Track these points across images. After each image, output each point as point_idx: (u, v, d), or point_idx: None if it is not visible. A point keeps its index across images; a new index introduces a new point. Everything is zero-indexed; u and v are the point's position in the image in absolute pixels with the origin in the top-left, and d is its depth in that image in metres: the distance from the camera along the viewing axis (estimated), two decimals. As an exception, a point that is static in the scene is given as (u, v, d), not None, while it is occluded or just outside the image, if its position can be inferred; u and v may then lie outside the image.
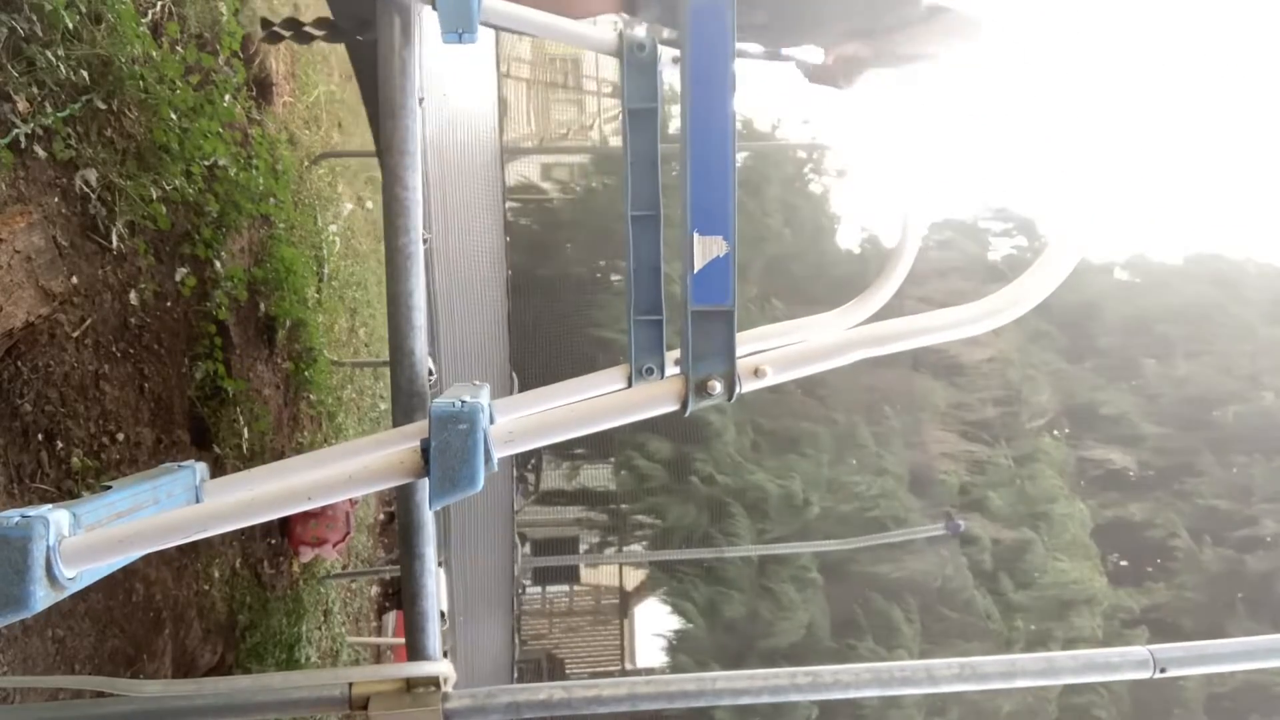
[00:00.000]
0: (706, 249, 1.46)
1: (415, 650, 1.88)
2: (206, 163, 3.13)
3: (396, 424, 1.83)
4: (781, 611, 7.66)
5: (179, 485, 1.71)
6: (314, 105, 4.97)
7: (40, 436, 2.30)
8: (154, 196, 2.75)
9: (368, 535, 5.81)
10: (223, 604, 3.35)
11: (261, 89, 4.03)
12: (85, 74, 2.49)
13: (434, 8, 1.70)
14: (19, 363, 2.23)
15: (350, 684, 1.69)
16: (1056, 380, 9.21)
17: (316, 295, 4.52)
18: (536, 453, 9.46)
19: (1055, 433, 9.31)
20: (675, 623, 8.18)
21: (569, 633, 12.86)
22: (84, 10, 2.50)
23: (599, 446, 9.25)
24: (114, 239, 2.59)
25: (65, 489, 2.34)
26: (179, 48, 3.01)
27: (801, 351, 1.51)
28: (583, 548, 10.65)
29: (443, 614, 2.04)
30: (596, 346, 7.92)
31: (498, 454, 1.43)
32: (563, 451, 9.82)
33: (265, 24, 3.97)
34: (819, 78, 2.72)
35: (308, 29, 3.75)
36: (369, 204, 6.02)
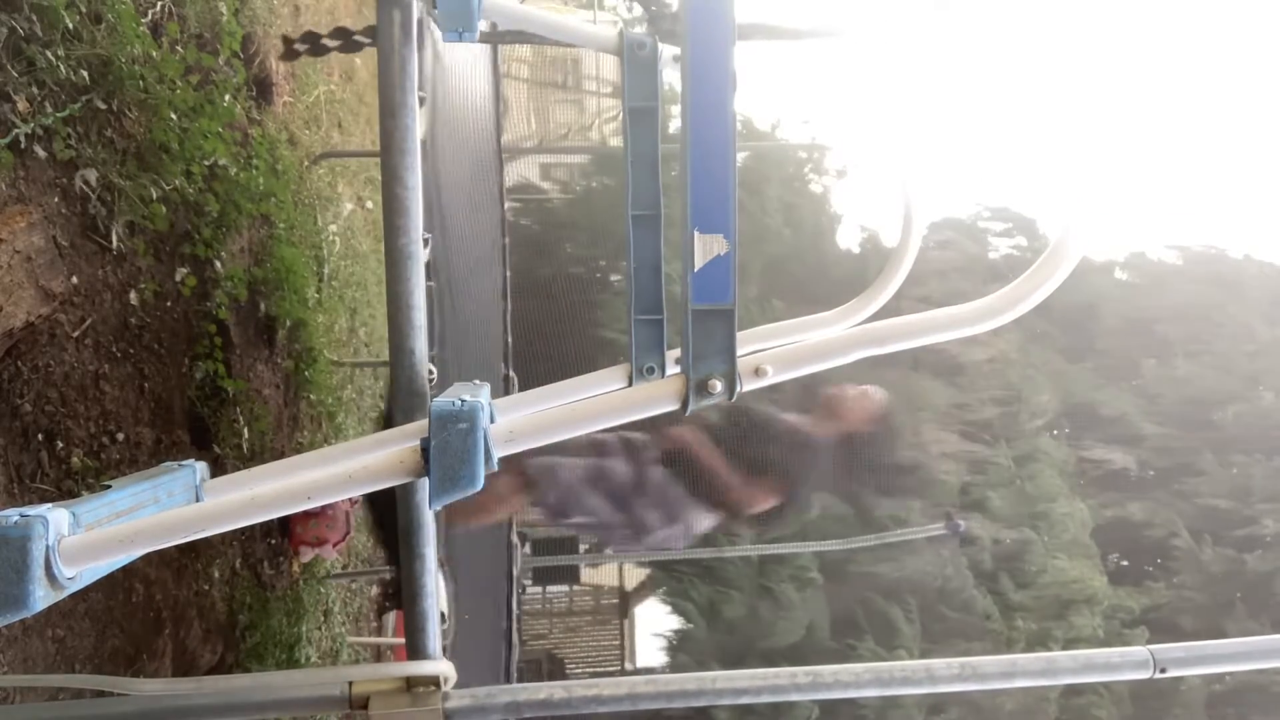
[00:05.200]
0: (707, 248, 1.46)
1: (415, 650, 1.88)
2: (206, 163, 3.12)
3: (396, 424, 1.83)
4: (781, 611, 7.66)
5: (179, 485, 1.71)
6: (314, 105, 4.97)
7: (40, 436, 2.30)
8: (154, 196, 2.74)
9: (368, 535, 5.81)
10: (223, 604, 3.35)
11: (261, 89, 4.03)
12: (85, 74, 2.49)
13: (434, 6, 1.70)
14: (19, 363, 2.23)
15: (350, 683, 1.69)
16: (1056, 380, 9.21)
17: (316, 295, 4.51)
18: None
19: (1055, 433, 9.31)
20: (675, 623, 8.18)
21: (569, 633, 12.87)
22: (84, 10, 2.50)
23: (599, 446, 9.23)
24: (114, 239, 2.59)
25: (65, 489, 2.34)
26: (179, 48, 3.01)
27: (802, 350, 1.51)
28: (583, 547, 10.65)
29: (443, 614, 2.04)
30: (597, 346, 7.92)
31: (498, 453, 1.42)
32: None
33: (286, 41, 4.00)
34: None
35: (325, 41, 3.78)
36: (369, 204, 6.02)
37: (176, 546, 1.57)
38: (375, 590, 6.13)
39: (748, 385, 1.48)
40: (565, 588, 12.96)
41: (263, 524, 3.51)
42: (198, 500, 1.75)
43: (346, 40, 3.89)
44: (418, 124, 1.85)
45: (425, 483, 1.42)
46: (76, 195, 2.45)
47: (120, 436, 2.63)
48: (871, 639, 7.66)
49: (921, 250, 2.39)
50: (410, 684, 1.71)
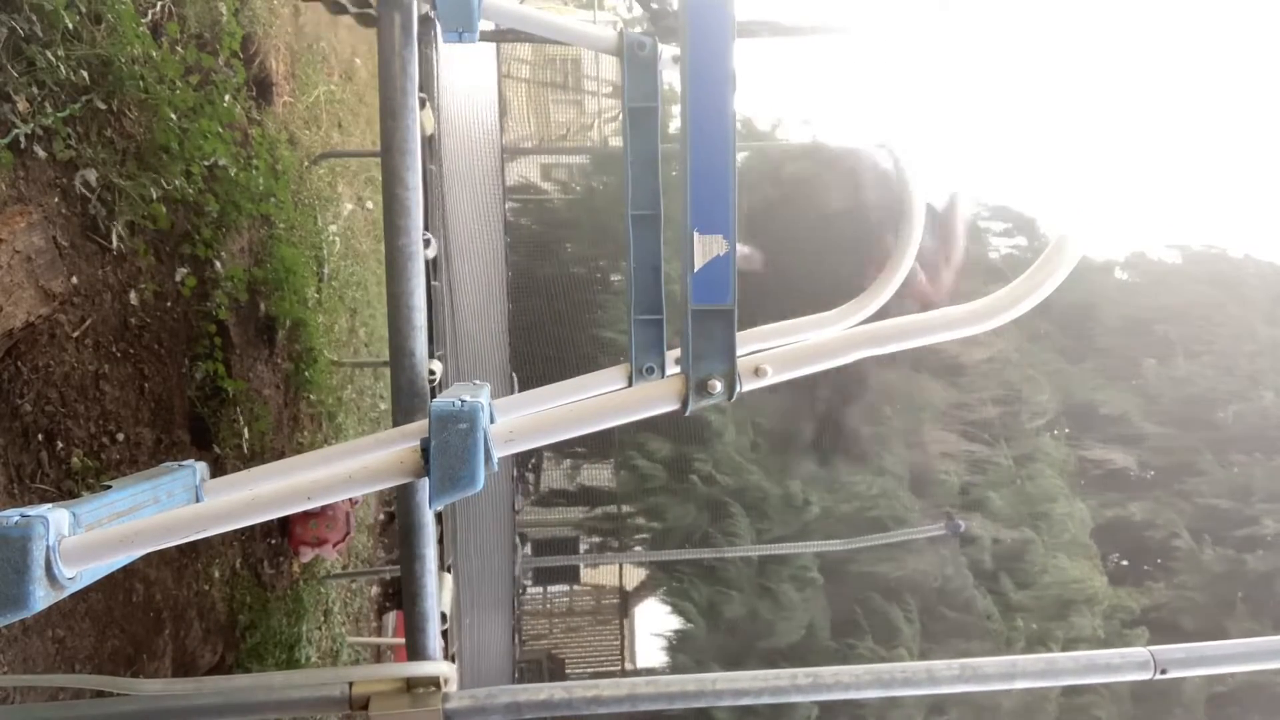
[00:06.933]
0: (707, 248, 1.46)
1: (415, 650, 1.88)
2: (206, 163, 3.12)
3: (396, 424, 1.83)
4: (781, 611, 7.67)
5: (179, 485, 1.71)
6: (314, 105, 4.97)
7: (40, 436, 2.30)
8: (154, 196, 2.74)
9: (368, 535, 5.81)
10: (223, 604, 3.35)
11: (261, 89, 4.03)
12: (85, 74, 2.49)
13: (434, 7, 1.70)
14: (19, 363, 2.23)
15: (350, 683, 1.69)
16: (1056, 380, 9.21)
17: (316, 295, 4.51)
18: (537, 453, 9.47)
19: (1055, 433, 9.32)
20: (675, 623, 8.19)
21: (569, 633, 12.86)
22: (84, 10, 2.50)
23: (599, 446, 9.26)
24: (114, 239, 2.59)
25: (65, 489, 2.34)
26: (179, 48, 3.01)
27: (802, 350, 1.51)
28: (583, 548, 10.66)
29: (444, 615, 2.04)
30: (597, 346, 7.93)
31: (498, 453, 1.42)
32: (563, 451, 9.82)
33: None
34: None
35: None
36: (369, 204, 6.02)
37: (176, 546, 1.57)
38: (375, 590, 6.13)
39: (747, 385, 1.48)
40: (565, 588, 12.96)
41: (263, 524, 3.51)
42: (198, 500, 1.75)
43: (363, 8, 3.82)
44: (418, 124, 1.85)
45: (426, 483, 1.42)
46: (76, 195, 2.45)
47: (120, 436, 2.63)
48: (871, 639, 7.66)
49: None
50: (410, 685, 1.71)
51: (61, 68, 2.39)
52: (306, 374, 4.18)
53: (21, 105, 2.25)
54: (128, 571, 2.61)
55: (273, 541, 3.93)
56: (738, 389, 1.48)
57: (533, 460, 9.82)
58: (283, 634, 3.85)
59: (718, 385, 1.46)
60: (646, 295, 1.95)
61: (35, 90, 2.31)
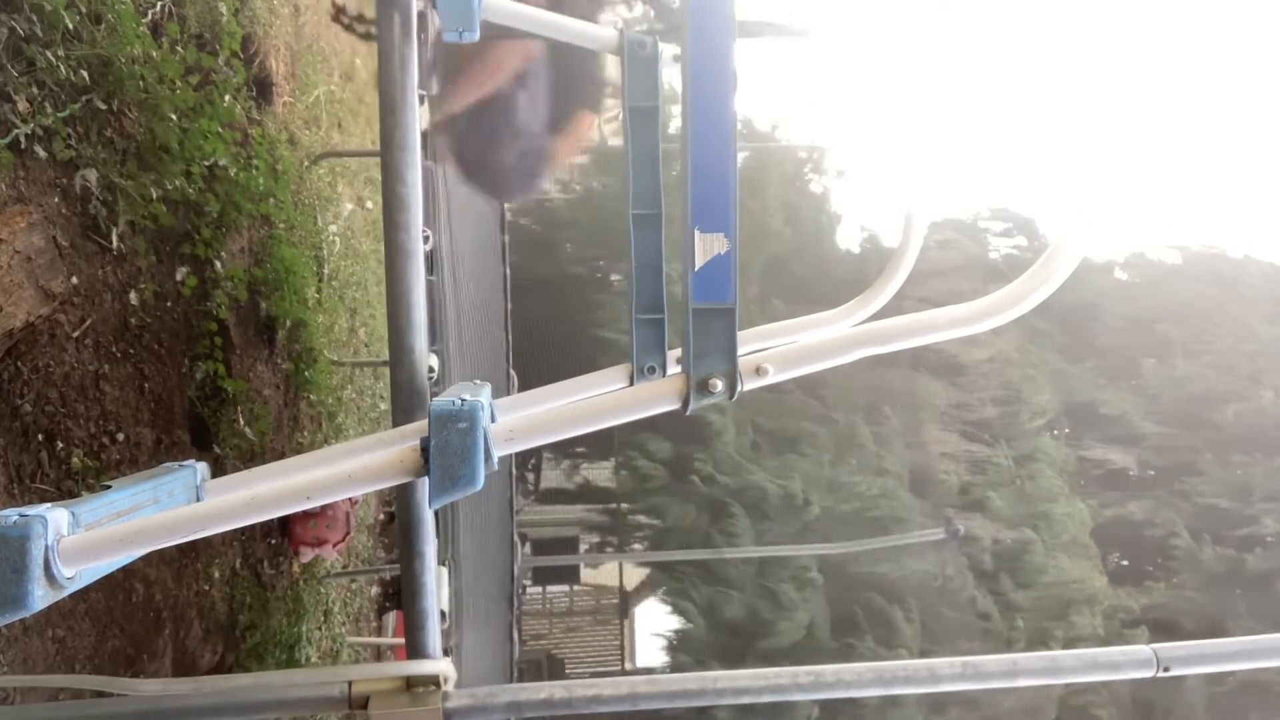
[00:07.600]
0: (707, 246, 1.46)
1: (415, 649, 1.88)
2: (206, 163, 3.12)
3: (396, 423, 1.83)
4: (781, 611, 7.67)
5: (179, 484, 1.71)
6: (314, 105, 4.96)
7: (40, 436, 2.29)
8: (154, 196, 2.74)
9: (368, 535, 5.81)
10: (223, 604, 3.35)
11: (261, 89, 4.02)
12: (85, 74, 2.48)
13: (434, 6, 1.70)
14: (19, 363, 2.23)
15: (350, 682, 1.69)
16: (1056, 380, 9.22)
17: (316, 295, 4.51)
18: (536, 452, 9.47)
19: (1055, 433, 9.32)
20: (675, 622, 8.19)
21: (569, 633, 12.87)
22: (84, 10, 2.50)
23: (599, 446, 9.26)
24: (114, 239, 2.58)
25: (65, 489, 2.34)
26: (179, 48, 3.00)
27: (803, 350, 1.51)
28: (583, 548, 10.66)
29: (443, 613, 2.04)
30: (597, 346, 7.93)
31: (498, 452, 1.42)
32: (563, 451, 9.83)
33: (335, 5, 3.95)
34: None
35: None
36: (369, 204, 6.01)
37: (176, 546, 1.57)
38: (375, 590, 6.13)
39: (749, 384, 1.48)
40: (565, 588, 12.96)
41: (263, 524, 3.51)
42: (198, 500, 1.74)
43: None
44: (418, 121, 1.85)
45: (425, 482, 1.42)
46: (76, 195, 2.45)
47: (120, 436, 2.63)
48: (871, 639, 7.66)
49: (922, 250, 2.39)
50: (410, 684, 1.71)
51: (61, 68, 2.38)
52: (306, 374, 4.18)
53: (21, 105, 2.25)
54: (128, 571, 2.61)
55: (273, 541, 3.93)
56: (739, 388, 1.47)
57: (533, 460, 9.82)
58: (283, 634, 3.85)
59: (719, 384, 1.46)
60: (647, 294, 1.95)
61: (35, 90, 2.31)
